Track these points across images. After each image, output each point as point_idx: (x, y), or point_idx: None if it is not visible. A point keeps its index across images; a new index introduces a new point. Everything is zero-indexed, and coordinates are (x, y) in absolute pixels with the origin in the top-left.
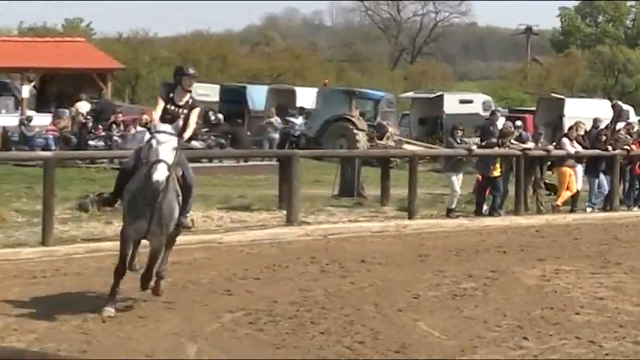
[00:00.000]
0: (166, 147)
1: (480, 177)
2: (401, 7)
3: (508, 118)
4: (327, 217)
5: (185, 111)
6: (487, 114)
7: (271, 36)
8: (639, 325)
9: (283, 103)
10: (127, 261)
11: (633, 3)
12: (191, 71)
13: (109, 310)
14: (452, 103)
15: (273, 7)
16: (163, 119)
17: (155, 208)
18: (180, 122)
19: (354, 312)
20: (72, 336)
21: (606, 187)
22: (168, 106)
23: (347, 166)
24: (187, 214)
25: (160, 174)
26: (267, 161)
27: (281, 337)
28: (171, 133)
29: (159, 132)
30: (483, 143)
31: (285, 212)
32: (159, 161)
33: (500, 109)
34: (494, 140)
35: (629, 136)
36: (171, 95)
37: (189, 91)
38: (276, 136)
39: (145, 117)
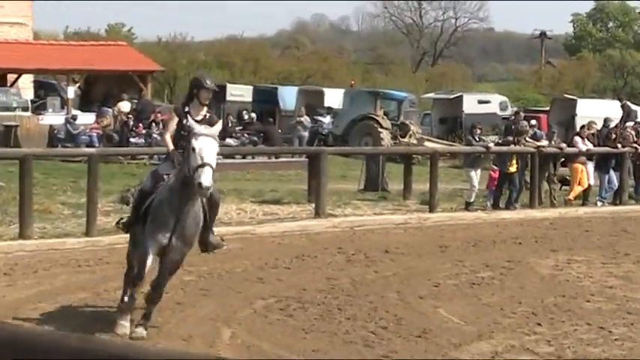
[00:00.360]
0: (210, 149)
1: (495, 173)
2: (423, 13)
3: (524, 118)
4: (353, 210)
5: (210, 124)
6: (504, 113)
7: (301, 40)
8: None
9: (312, 103)
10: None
11: None
12: (209, 84)
13: (124, 325)
14: (470, 104)
15: (303, 13)
16: (180, 136)
17: (180, 220)
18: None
19: (378, 299)
20: (115, 320)
21: (616, 183)
22: (184, 122)
23: (372, 162)
24: (213, 232)
25: (207, 178)
26: (297, 158)
27: (309, 322)
28: (213, 136)
29: (201, 135)
30: (500, 141)
31: (313, 205)
32: (204, 165)
33: (516, 108)
34: (510, 138)
35: (633, 134)
36: (187, 109)
37: (207, 105)
38: (306, 134)
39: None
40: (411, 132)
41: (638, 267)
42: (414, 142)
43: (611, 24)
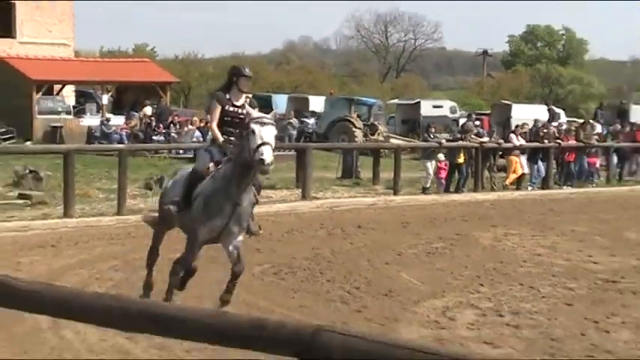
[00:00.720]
0: (269, 131)
1: (441, 164)
2: (388, 35)
3: (469, 119)
4: (332, 194)
5: (244, 111)
6: (453, 116)
7: (290, 57)
8: (568, 275)
9: (299, 107)
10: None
11: (563, 32)
12: (248, 72)
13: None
14: (427, 108)
15: (292, 35)
16: (223, 122)
17: (238, 205)
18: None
19: (353, 265)
20: (141, 284)
21: (543, 171)
22: (226, 108)
23: (347, 155)
24: (253, 219)
25: (269, 155)
26: (287, 152)
27: (297, 284)
28: (270, 120)
29: (259, 118)
30: (451, 137)
31: (301, 190)
32: (264, 143)
33: (463, 112)
34: (459, 135)
35: (556, 132)
36: (227, 97)
37: (245, 92)
38: (294, 132)
39: (195, 119)
40: (379, 131)
41: (561, 239)
42: (382, 139)
43: (539, 44)
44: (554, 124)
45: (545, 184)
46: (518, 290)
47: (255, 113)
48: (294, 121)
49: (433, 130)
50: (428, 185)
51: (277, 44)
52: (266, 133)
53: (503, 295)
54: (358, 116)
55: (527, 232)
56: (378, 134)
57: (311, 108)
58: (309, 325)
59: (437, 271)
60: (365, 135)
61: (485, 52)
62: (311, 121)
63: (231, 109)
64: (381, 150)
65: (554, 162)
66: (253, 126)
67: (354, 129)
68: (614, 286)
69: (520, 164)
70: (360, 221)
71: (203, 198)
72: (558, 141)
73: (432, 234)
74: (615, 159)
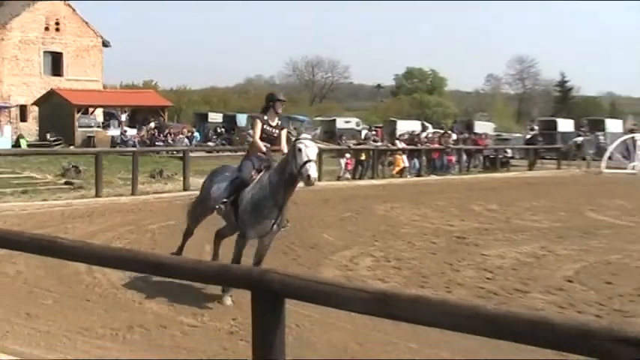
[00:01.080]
0: (313, 150)
1: (349, 160)
2: (315, 73)
3: (369, 131)
4: None
5: (277, 131)
6: (358, 128)
7: (249, 89)
8: (433, 234)
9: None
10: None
11: (430, 72)
12: (282, 97)
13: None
14: (340, 123)
15: (249, 73)
16: (261, 138)
17: (282, 210)
18: (282, 139)
19: (291, 229)
20: (148, 242)
21: (417, 165)
22: (264, 127)
23: None
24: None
25: (314, 171)
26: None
27: (251, 244)
28: (313, 140)
29: (304, 139)
30: (356, 143)
31: None
32: (309, 161)
33: (365, 126)
34: (362, 141)
35: (425, 139)
36: (265, 118)
37: (279, 114)
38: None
39: (185, 130)
40: None
41: (429, 210)
42: None
43: (415, 80)
44: (424, 134)
45: (418, 174)
46: (400, 244)
47: (302, 135)
48: (252, 132)
49: (344, 138)
50: (341, 175)
51: (240, 80)
52: (311, 152)
53: (391, 247)
54: (295, 129)
55: (407, 206)
56: None
57: None
58: (259, 269)
59: (347, 232)
60: None
61: (379, 86)
62: None
63: (268, 128)
64: None
65: (424, 159)
66: (300, 145)
67: (291, 139)
68: (462, 241)
69: (402, 160)
70: (297, 200)
71: (252, 202)
72: (427, 144)
73: (344, 207)
74: (465, 157)
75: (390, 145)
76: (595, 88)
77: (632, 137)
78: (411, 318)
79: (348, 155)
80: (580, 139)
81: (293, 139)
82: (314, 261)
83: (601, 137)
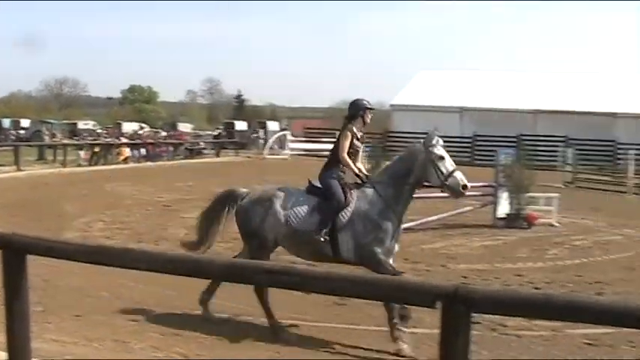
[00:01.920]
0: (449, 158)
1: (88, 152)
2: (62, 88)
3: (102, 130)
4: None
5: (362, 145)
6: (95, 129)
7: (11, 100)
8: (148, 204)
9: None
10: None
11: (147, 87)
12: (371, 105)
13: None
14: (81, 125)
15: (12, 88)
16: (348, 154)
17: (399, 224)
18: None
19: (44, 205)
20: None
21: (137, 154)
22: (353, 141)
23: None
24: None
25: (465, 179)
26: None
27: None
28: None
29: (437, 145)
30: (93, 138)
31: None
32: (455, 170)
33: (100, 127)
34: (97, 137)
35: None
36: (354, 130)
37: (367, 125)
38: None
39: None
40: None
41: (146, 187)
42: None
43: (136, 93)
44: (142, 132)
45: (138, 161)
46: (123, 212)
47: (433, 140)
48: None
49: (84, 135)
50: (81, 163)
51: (5, 93)
52: (450, 160)
53: (116, 214)
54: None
55: (129, 184)
56: None
57: None
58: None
59: (84, 204)
60: None
61: (110, 98)
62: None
63: (356, 142)
64: None
65: (143, 150)
66: (439, 152)
67: None
68: (168, 208)
69: (126, 151)
70: (46, 181)
71: (370, 222)
72: (144, 140)
73: (83, 186)
74: (171, 148)
75: (117, 140)
76: (260, 100)
77: (284, 134)
78: (114, 264)
79: (86, 148)
80: (254, 135)
81: (417, 144)
82: (61, 227)
83: (264, 134)
